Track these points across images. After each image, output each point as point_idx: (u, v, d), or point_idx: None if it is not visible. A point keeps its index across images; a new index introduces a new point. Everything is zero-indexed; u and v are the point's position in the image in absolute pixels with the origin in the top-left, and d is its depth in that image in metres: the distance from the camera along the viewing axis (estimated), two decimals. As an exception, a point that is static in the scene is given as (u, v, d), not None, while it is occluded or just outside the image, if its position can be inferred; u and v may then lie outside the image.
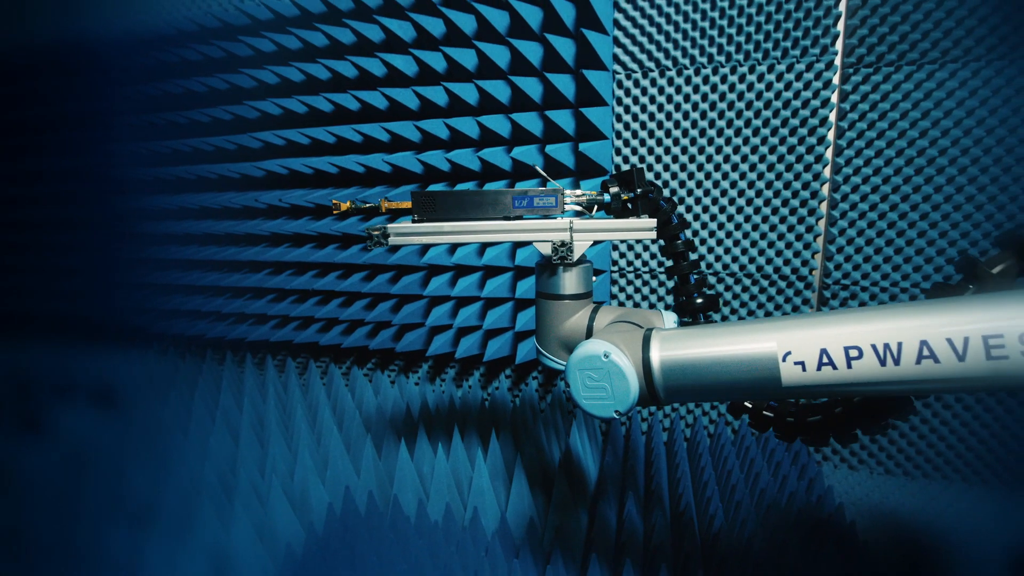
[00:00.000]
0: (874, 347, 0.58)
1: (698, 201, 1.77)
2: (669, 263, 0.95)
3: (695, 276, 0.99)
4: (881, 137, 1.63)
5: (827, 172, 1.68)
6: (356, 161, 1.99)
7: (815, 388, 0.62)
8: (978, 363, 0.54)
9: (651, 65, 1.72)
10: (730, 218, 1.76)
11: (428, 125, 1.88)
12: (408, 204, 0.87)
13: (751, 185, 1.72)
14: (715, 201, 1.76)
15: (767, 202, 1.72)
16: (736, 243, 1.77)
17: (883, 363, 0.58)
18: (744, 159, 1.71)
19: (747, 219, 1.74)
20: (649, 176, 1.80)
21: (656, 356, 0.71)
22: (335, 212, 0.86)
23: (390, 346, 2.16)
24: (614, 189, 0.90)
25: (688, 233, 1.81)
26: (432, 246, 1.97)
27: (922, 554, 1.37)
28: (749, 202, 1.73)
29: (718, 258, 1.80)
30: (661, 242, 1.01)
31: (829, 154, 1.67)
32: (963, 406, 1.71)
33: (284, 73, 2.03)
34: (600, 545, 1.28)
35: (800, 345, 0.62)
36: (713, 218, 1.77)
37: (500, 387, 2.12)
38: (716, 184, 1.75)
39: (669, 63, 1.70)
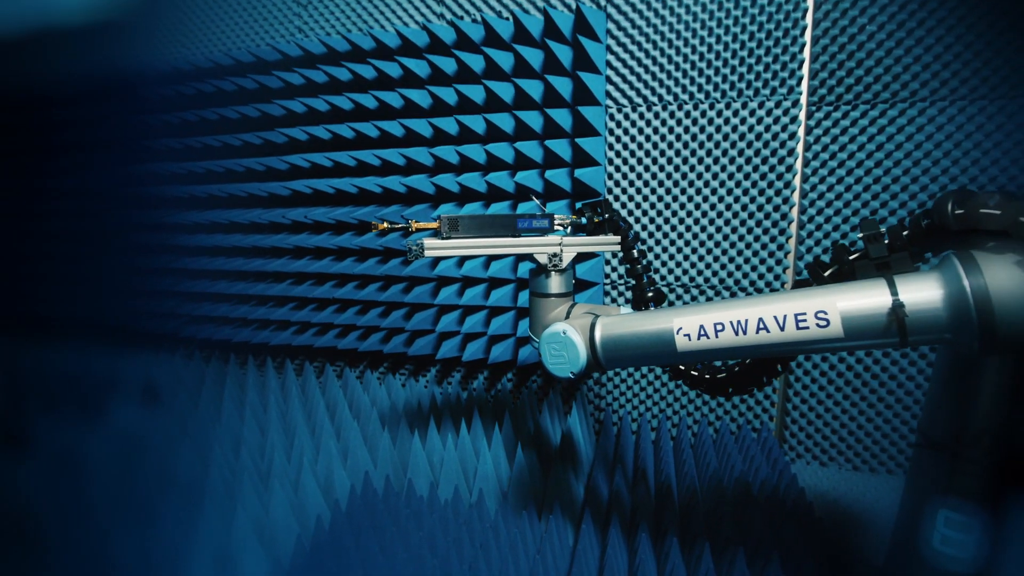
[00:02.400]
0: (731, 323, 0.84)
1: (681, 221, 1.98)
2: (627, 267, 1.24)
3: (647, 277, 1.25)
4: (842, 167, 1.85)
5: (796, 197, 1.89)
6: (375, 183, 2.21)
7: (697, 352, 0.89)
8: (792, 332, 0.81)
9: (639, 101, 1.95)
10: (710, 236, 1.96)
11: (440, 151, 2.11)
12: (432, 225, 1.08)
13: (728, 208, 1.93)
14: (696, 221, 1.97)
15: (743, 223, 1.93)
16: (716, 259, 1.97)
17: (736, 333, 0.84)
18: (722, 184, 1.92)
19: (725, 237, 1.95)
20: (637, 199, 2.02)
21: (598, 334, 1.00)
22: (376, 230, 1.06)
23: (402, 350, 2.36)
24: (588, 213, 1.21)
25: (651, 248, 2.02)
26: (453, 258, 2.18)
27: (871, 534, 1.55)
28: (727, 222, 1.94)
29: (699, 272, 2.00)
30: (621, 253, 1.31)
31: (797, 181, 1.88)
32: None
33: (312, 104, 2.27)
34: (593, 513, 1.46)
35: (688, 324, 0.88)
36: (695, 236, 1.98)
37: (503, 388, 2.31)
38: (698, 206, 1.96)
39: (655, 99, 1.93)
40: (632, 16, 1.90)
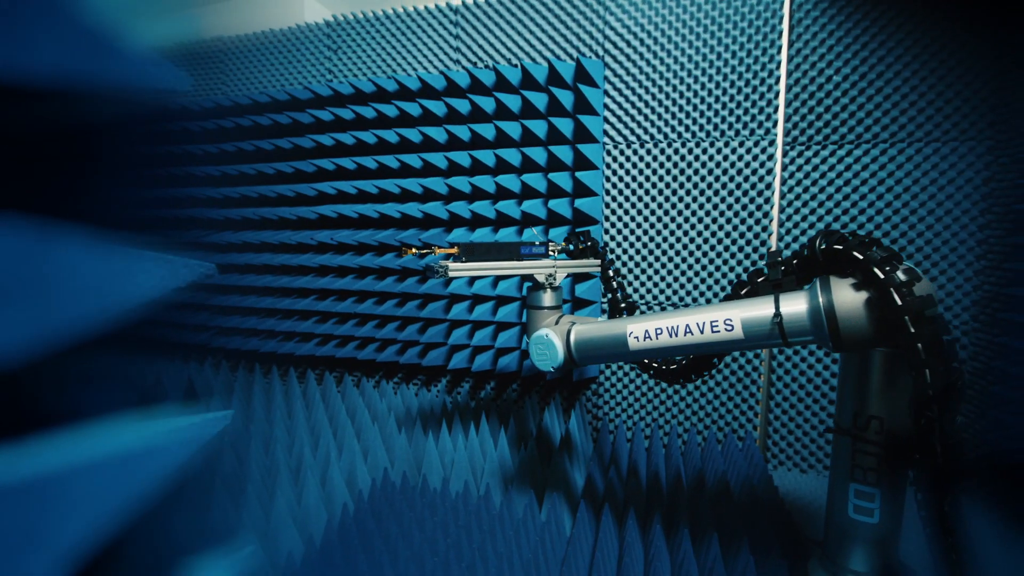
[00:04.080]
0: (667, 328, 1.07)
1: (671, 246, 2.20)
2: (604, 284, 1.57)
3: (620, 292, 1.50)
4: (814, 199, 2.06)
5: (774, 225, 2.10)
6: (395, 208, 2.45)
7: (644, 350, 1.13)
8: (709, 335, 1.03)
9: (633, 139, 2.18)
10: (697, 260, 2.17)
11: (455, 181, 2.35)
12: (452, 250, 1.30)
13: (713, 234, 2.14)
14: (685, 247, 2.18)
15: (726, 248, 2.14)
16: (702, 280, 2.18)
17: (671, 336, 1.07)
18: (707, 213, 2.14)
19: (711, 261, 2.16)
20: (631, 226, 2.23)
21: (572, 338, 1.26)
22: (407, 254, 1.28)
23: (416, 361, 2.57)
24: (574, 242, 1.54)
25: (643, 269, 2.23)
26: (467, 277, 2.39)
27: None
28: (712, 247, 2.15)
29: (688, 292, 2.20)
30: (598, 272, 1.61)
31: (775, 212, 2.10)
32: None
33: (340, 138, 2.53)
34: (588, 504, 1.64)
35: (636, 329, 1.12)
36: (684, 260, 2.19)
37: (509, 396, 2.50)
38: (686, 233, 2.17)
39: (648, 137, 2.16)
40: (627, 65, 2.15)
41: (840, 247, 0.91)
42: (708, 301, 2.18)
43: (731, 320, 1.01)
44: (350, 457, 1.93)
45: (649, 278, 2.23)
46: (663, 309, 2.24)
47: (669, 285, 2.21)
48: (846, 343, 0.91)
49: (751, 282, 1.12)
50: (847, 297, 0.89)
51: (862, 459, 0.96)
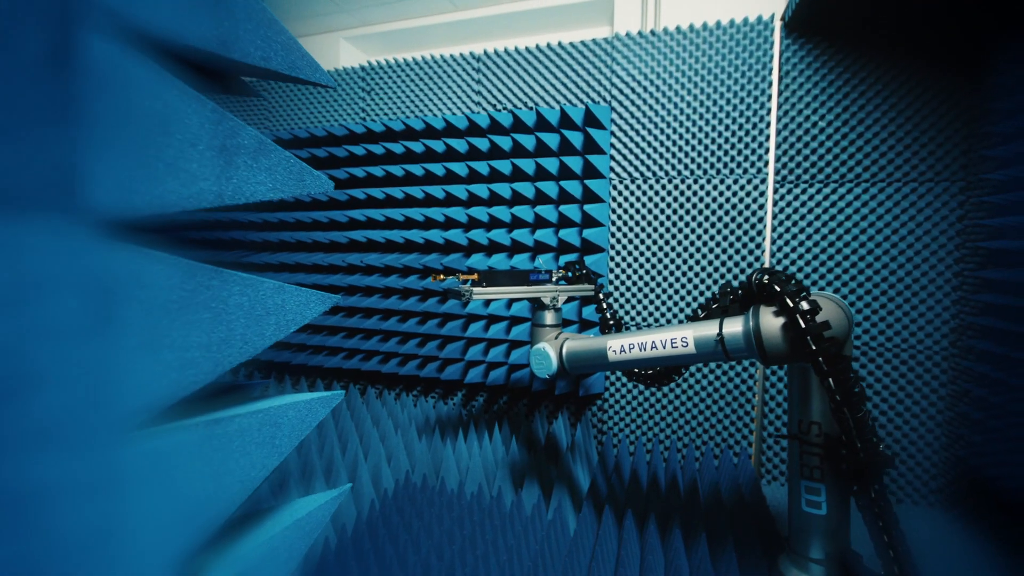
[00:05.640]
0: (638, 344, 1.27)
1: (671, 273, 2.39)
2: (595, 305, 1.85)
3: (610, 312, 1.74)
4: (802, 232, 2.25)
5: (766, 256, 2.29)
6: (420, 235, 2.69)
7: (621, 362, 1.33)
8: (670, 349, 1.23)
9: (637, 175, 2.40)
10: (695, 287, 2.36)
11: (474, 211, 2.58)
12: (473, 276, 1.52)
13: (711, 263, 2.34)
14: (684, 274, 2.38)
15: (722, 276, 2.33)
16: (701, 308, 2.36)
17: (641, 350, 1.26)
18: (705, 244, 2.34)
19: (708, 288, 2.35)
20: (635, 255, 2.44)
21: (564, 351, 1.48)
22: (436, 279, 1.51)
23: (435, 375, 2.77)
24: (572, 270, 1.81)
25: (646, 295, 2.42)
26: (485, 299, 2.61)
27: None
28: (709, 275, 2.34)
29: (682, 322, 2.39)
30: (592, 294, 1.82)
31: (767, 244, 2.29)
32: (886, 431, 2.21)
33: (371, 171, 2.79)
34: (590, 505, 1.82)
35: (615, 344, 1.31)
36: (683, 286, 2.38)
37: (519, 408, 2.68)
38: (685, 261, 2.37)
39: (650, 174, 2.38)
40: (632, 109, 2.39)
41: (767, 282, 1.11)
42: (705, 324, 2.36)
43: (686, 338, 1.23)
44: (375, 460, 2.12)
45: (651, 302, 2.43)
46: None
47: (669, 309, 2.40)
48: (770, 358, 1.12)
49: (707, 308, 1.34)
50: (770, 322, 1.11)
51: (808, 459, 1.14)
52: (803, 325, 1.02)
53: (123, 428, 0.34)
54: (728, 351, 1.17)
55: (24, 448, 0.29)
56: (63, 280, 0.29)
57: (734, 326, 1.17)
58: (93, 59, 0.30)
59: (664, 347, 1.25)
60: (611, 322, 1.74)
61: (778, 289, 1.07)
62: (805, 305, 1.04)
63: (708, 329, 1.21)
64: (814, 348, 1.01)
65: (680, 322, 2.40)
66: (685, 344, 1.23)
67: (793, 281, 1.12)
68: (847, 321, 1.10)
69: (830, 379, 1.00)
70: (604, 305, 1.80)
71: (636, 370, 1.60)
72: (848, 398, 0.99)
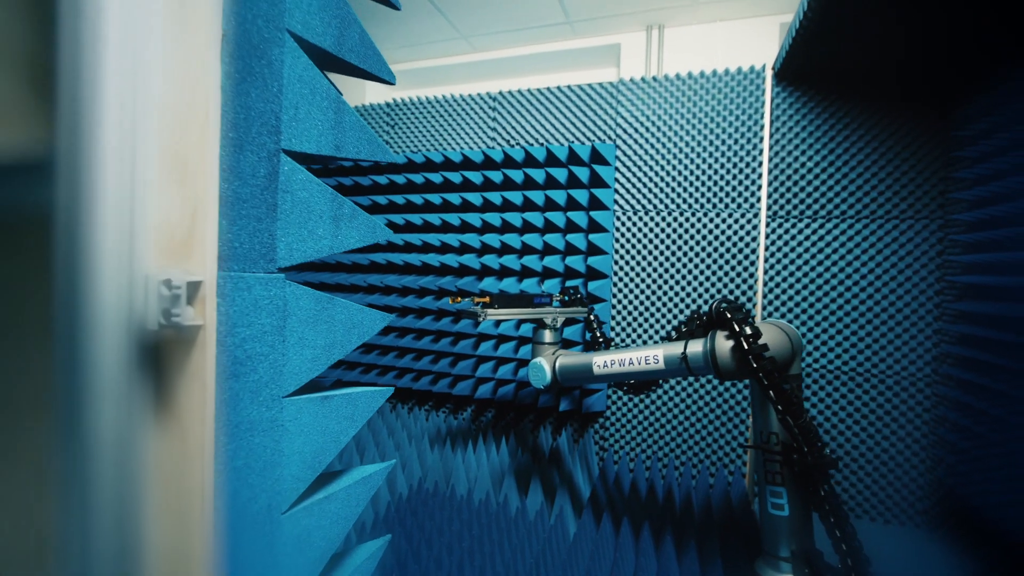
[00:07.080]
0: (618, 360, 1.44)
1: (671, 299, 2.56)
2: (586, 326, 2.06)
3: (599, 332, 1.93)
4: (792, 264, 2.41)
5: (759, 285, 2.45)
6: (436, 259, 2.90)
7: (605, 375, 1.51)
8: (643, 365, 1.41)
9: (639, 208, 2.60)
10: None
11: (487, 238, 2.79)
12: (486, 299, 1.71)
13: (707, 290, 2.50)
14: (682, 300, 2.54)
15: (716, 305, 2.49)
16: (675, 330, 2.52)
17: (620, 365, 1.43)
18: (701, 272, 2.51)
19: (704, 313, 2.51)
20: (636, 281, 2.62)
21: (557, 365, 1.67)
22: (455, 301, 1.70)
23: (447, 391, 2.94)
24: (568, 294, 2.02)
25: (646, 318, 2.58)
26: (495, 320, 2.80)
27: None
28: (705, 302, 2.50)
29: (657, 343, 2.54)
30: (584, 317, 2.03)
31: (760, 274, 2.45)
32: (873, 454, 2.32)
33: (393, 199, 3.02)
34: (590, 512, 1.95)
35: (599, 360, 1.49)
36: (681, 312, 2.55)
37: (525, 424, 2.83)
38: (683, 288, 2.54)
39: (651, 207, 2.57)
40: (635, 147, 2.60)
41: (723, 310, 1.29)
42: (702, 347, 2.51)
43: (657, 356, 1.43)
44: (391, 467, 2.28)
45: (651, 325, 2.59)
46: (663, 353, 2.58)
47: (669, 334, 2.56)
48: (724, 374, 1.31)
49: (678, 331, 1.55)
50: (722, 344, 1.30)
51: (770, 465, 1.29)
52: (746, 346, 1.20)
53: (285, 392, 0.53)
54: (691, 368, 1.37)
55: (253, 401, 0.49)
56: (267, 303, 0.49)
57: (696, 347, 1.36)
58: (283, 179, 0.51)
59: (639, 363, 1.44)
60: (600, 340, 1.94)
61: (728, 316, 1.25)
62: (748, 330, 1.23)
63: (675, 349, 1.41)
64: (755, 366, 1.20)
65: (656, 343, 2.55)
66: (656, 361, 1.42)
67: (743, 310, 1.31)
68: (790, 344, 1.28)
69: (771, 391, 1.18)
70: (594, 325, 2.02)
71: (624, 382, 1.79)
72: (788, 408, 1.15)
